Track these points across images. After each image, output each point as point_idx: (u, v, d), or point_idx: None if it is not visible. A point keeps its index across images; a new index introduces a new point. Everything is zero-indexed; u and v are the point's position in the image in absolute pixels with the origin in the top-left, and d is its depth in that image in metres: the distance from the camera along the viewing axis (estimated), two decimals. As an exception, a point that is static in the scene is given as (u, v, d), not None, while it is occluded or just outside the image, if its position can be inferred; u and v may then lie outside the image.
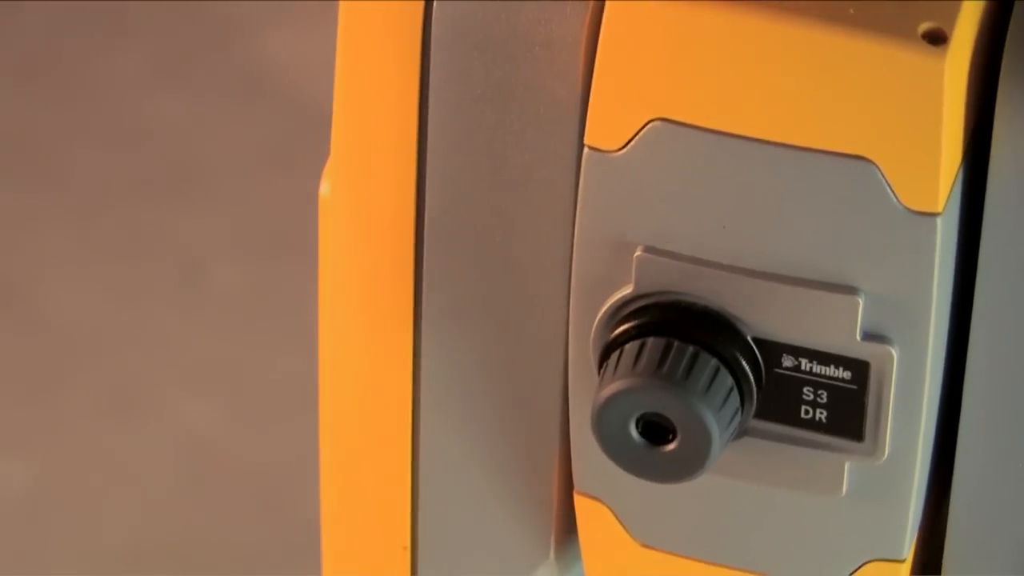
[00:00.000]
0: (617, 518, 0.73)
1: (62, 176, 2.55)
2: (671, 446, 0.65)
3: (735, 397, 0.66)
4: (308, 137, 2.57)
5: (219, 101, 2.63)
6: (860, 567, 0.71)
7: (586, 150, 0.67)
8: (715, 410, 0.64)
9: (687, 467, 0.66)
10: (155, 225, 2.47)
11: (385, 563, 0.80)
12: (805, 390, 0.67)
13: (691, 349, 0.65)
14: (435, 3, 0.68)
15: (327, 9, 2.69)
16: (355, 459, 0.79)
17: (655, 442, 0.66)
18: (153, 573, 2.20)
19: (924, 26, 0.63)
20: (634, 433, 0.66)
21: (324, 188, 0.74)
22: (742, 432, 0.67)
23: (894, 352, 0.66)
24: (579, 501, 0.74)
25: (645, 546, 0.73)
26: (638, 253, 0.67)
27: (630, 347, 0.66)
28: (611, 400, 0.65)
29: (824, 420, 0.67)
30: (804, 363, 0.67)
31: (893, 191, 0.64)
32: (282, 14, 2.72)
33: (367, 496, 0.79)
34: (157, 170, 2.54)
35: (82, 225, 2.50)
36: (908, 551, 0.71)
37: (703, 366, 0.65)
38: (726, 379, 0.65)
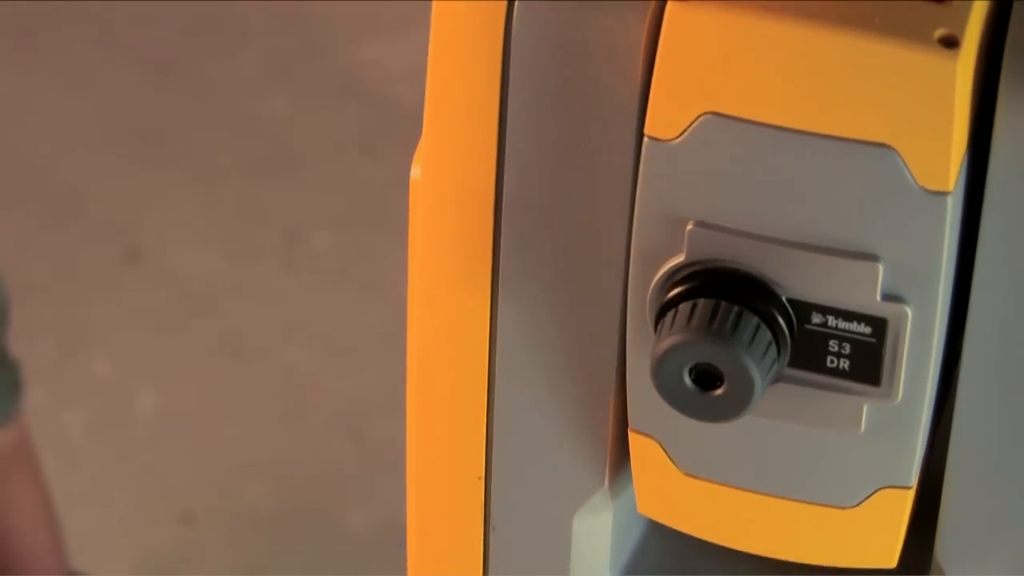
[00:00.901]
0: (665, 452, 0.72)
1: (188, 156, 2.54)
2: (719, 391, 0.65)
3: (773, 349, 0.65)
4: (390, 129, 2.56)
5: (318, 97, 2.62)
6: (874, 493, 0.70)
7: (646, 139, 0.65)
8: (757, 360, 0.64)
9: (732, 409, 0.65)
10: (262, 199, 2.46)
11: (462, 490, 0.78)
12: (831, 343, 0.66)
13: (736, 309, 0.64)
14: (516, 6, 0.67)
15: (411, 22, 2.69)
16: (437, 401, 0.78)
17: (705, 388, 0.65)
18: (257, 486, 2.18)
19: (939, 32, 0.62)
20: (687, 380, 0.65)
21: (415, 172, 0.73)
22: (777, 379, 0.66)
23: (908, 311, 0.65)
24: (633, 438, 0.73)
25: (689, 475, 0.72)
26: (690, 227, 0.66)
27: (684, 307, 0.65)
28: (669, 352, 0.64)
29: (847, 368, 0.66)
30: (831, 320, 0.66)
31: (911, 173, 0.63)
32: (373, 26, 2.70)
33: (447, 432, 0.78)
34: (265, 153, 2.53)
35: (203, 198, 2.49)
36: (915, 479, 0.70)
37: (746, 323, 0.64)
38: (765, 334, 0.65)
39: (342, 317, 2.35)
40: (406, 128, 2.71)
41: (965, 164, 0.64)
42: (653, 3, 0.66)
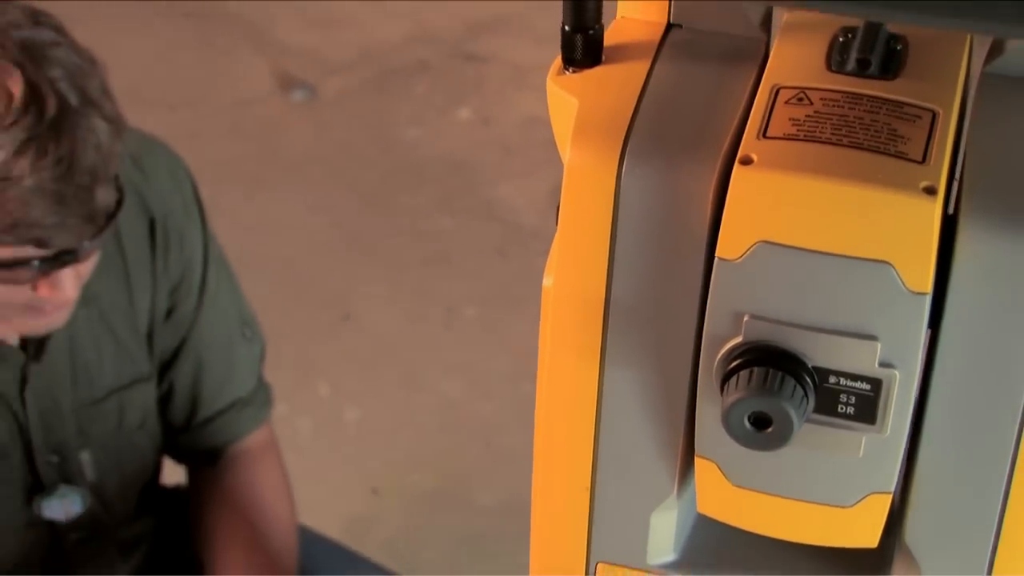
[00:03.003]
0: (720, 470, 0.69)
1: (384, 254, 2.57)
2: (769, 430, 0.63)
3: (804, 402, 0.63)
4: (516, 240, 2.56)
5: (470, 218, 2.62)
6: (865, 496, 0.68)
7: (717, 259, 0.64)
8: (794, 409, 0.63)
9: (777, 442, 0.64)
10: (432, 283, 2.47)
11: (573, 497, 0.75)
12: (842, 396, 0.64)
13: (780, 374, 0.63)
14: (623, 167, 0.65)
15: (531, 171, 2.68)
16: (559, 432, 0.74)
17: (759, 428, 0.64)
18: (420, 473, 2.17)
19: (923, 184, 0.61)
20: (747, 423, 0.64)
21: (547, 281, 0.70)
22: (804, 421, 0.64)
23: (897, 374, 0.64)
24: (698, 460, 0.70)
25: (738, 486, 0.70)
26: (746, 319, 0.64)
27: (743, 373, 0.63)
28: (735, 405, 0.63)
29: (852, 413, 0.65)
30: (842, 380, 0.64)
31: (902, 280, 0.62)
32: (507, 173, 2.71)
33: (564, 456, 0.75)
34: (433, 252, 2.56)
35: (393, 281, 2.50)
36: (894, 486, 0.68)
37: (787, 384, 0.63)
38: (799, 391, 0.63)
39: (481, 363, 2.35)
40: (527, 240, 2.72)
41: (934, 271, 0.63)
42: (717, 166, 0.65)
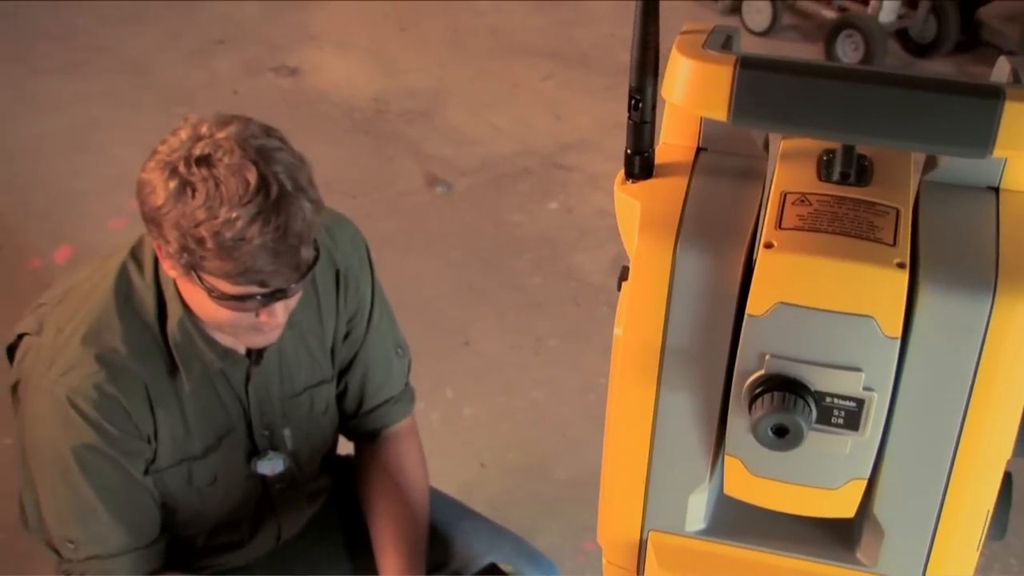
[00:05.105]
0: (744, 464, 0.68)
1: (491, 300, 2.56)
2: (786, 438, 0.63)
3: (809, 416, 0.63)
4: (589, 295, 2.52)
5: (553, 281, 2.59)
6: (848, 481, 0.67)
7: (747, 316, 0.62)
8: (804, 422, 0.62)
9: (791, 446, 0.63)
10: (526, 321, 2.45)
11: (632, 482, 0.74)
12: (835, 411, 0.64)
13: (793, 397, 0.62)
14: (676, 252, 0.65)
15: (601, 244, 2.64)
16: (624, 434, 0.72)
17: (779, 436, 0.63)
18: (513, 453, 2.14)
19: (896, 260, 0.61)
20: (770, 433, 0.63)
21: (617, 331, 0.69)
22: (807, 430, 0.63)
23: (875, 395, 0.63)
24: (727, 458, 0.68)
25: (756, 476, 0.68)
26: (768, 357, 0.63)
27: (766, 396, 0.63)
28: (761, 419, 0.63)
29: (842, 423, 0.64)
30: (836, 400, 0.64)
31: (881, 328, 0.61)
32: (581, 245, 2.68)
33: (627, 451, 0.73)
34: (526, 303, 2.53)
35: (498, 319, 2.50)
36: (868, 473, 0.67)
37: (799, 404, 0.62)
38: (806, 409, 0.62)
39: (559, 378, 2.31)
40: (594, 293, 2.67)
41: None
42: (743, 250, 0.64)
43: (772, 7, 3.49)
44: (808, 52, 3.47)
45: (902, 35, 3.50)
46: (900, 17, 3.39)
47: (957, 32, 3.40)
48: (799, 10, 3.56)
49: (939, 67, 3.43)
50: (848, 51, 3.33)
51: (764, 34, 3.53)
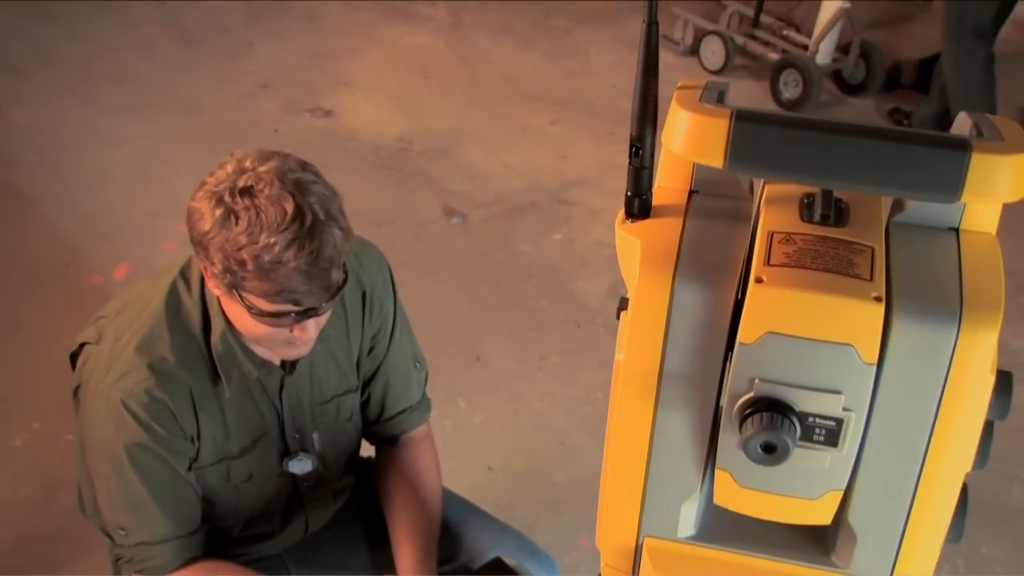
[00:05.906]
0: (732, 477, 0.67)
1: (500, 320, 2.55)
2: (773, 454, 0.62)
3: (794, 433, 0.62)
4: (590, 319, 2.50)
5: (556, 305, 2.58)
6: (826, 492, 0.66)
7: (738, 343, 0.61)
8: (790, 439, 0.61)
9: (778, 461, 0.62)
10: (532, 339, 2.43)
11: (630, 490, 0.72)
12: (817, 429, 0.63)
13: (779, 417, 0.61)
14: (675, 287, 0.64)
15: (600, 272, 2.63)
16: (623, 446, 0.71)
17: (767, 452, 0.62)
18: (517, 459, 2.12)
19: (873, 294, 0.60)
20: (759, 449, 0.62)
21: (619, 356, 0.68)
22: (793, 446, 0.62)
23: (853, 415, 0.62)
24: (717, 471, 0.67)
25: (742, 487, 0.67)
26: (757, 381, 0.62)
27: (756, 416, 0.62)
28: (751, 438, 0.62)
29: (823, 440, 0.63)
30: (818, 420, 0.62)
31: (860, 355, 0.60)
32: (583, 273, 2.67)
33: (625, 463, 0.71)
34: (531, 322, 2.51)
35: (506, 339, 2.49)
36: (845, 485, 0.66)
37: (785, 423, 0.61)
38: (792, 427, 0.61)
39: (560, 391, 2.30)
40: (594, 316, 2.64)
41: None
42: (735, 284, 0.63)
43: (725, 50, 3.62)
44: (756, 88, 3.56)
45: (836, 75, 3.61)
46: (834, 60, 3.52)
47: (883, 75, 3.53)
48: (748, 52, 3.71)
49: (862, 103, 3.52)
50: (790, 87, 3.45)
51: (718, 72, 3.64)
